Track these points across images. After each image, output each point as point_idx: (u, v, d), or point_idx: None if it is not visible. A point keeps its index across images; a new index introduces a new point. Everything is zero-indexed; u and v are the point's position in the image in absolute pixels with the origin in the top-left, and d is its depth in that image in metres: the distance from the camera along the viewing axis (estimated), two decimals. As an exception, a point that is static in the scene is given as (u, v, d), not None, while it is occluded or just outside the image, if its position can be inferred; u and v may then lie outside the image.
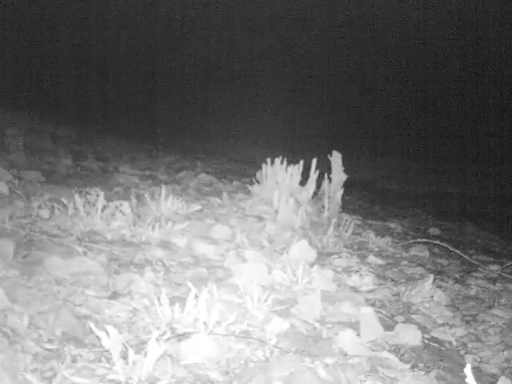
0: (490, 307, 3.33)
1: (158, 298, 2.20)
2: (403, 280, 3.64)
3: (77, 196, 3.31)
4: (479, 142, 16.48)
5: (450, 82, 18.94)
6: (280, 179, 4.64)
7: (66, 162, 5.54)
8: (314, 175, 4.67)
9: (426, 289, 3.25)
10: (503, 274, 4.09)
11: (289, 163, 4.70)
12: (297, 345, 2.24)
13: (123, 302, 2.32)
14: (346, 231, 4.37)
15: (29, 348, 1.80)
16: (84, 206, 3.27)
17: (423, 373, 2.24)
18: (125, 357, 1.81)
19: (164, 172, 6.26)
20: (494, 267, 4.25)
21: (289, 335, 2.30)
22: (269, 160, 4.75)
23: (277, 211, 4.31)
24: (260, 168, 4.81)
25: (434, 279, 3.40)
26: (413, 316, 3.00)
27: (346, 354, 2.24)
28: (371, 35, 19.75)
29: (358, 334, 2.43)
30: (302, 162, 4.67)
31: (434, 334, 2.81)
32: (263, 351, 2.12)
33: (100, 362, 1.83)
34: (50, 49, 16.12)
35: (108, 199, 3.42)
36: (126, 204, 3.40)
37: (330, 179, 4.69)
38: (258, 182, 4.90)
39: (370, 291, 3.23)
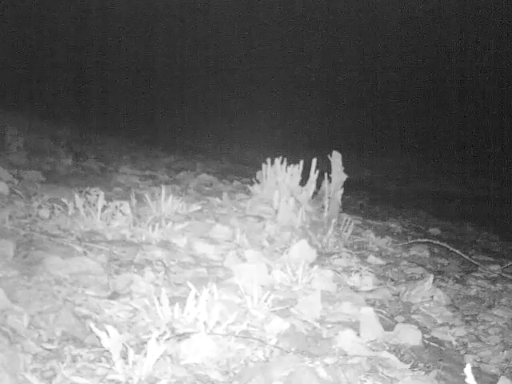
0: (490, 307, 3.32)
1: (158, 298, 2.20)
2: (403, 280, 3.64)
3: (77, 196, 3.31)
4: (479, 141, 16.47)
5: (451, 81, 18.95)
6: (280, 179, 4.64)
7: (66, 162, 5.55)
8: (314, 175, 4.68)
9: (426, 289, 3.25)
10: (503, 274, 4.09)
11: (289, 163, 4.70)
12: (297, 345, 2.24)
13: (123, 302, 2.32)
14: (346, 231, 4.37)
15: (29, 348, 1.80)
16: (84, 206, 3.28)
17: (423, 373, 2.24)
18: (125, 357, 1.81)
19: (164, 172, 6.26)
20: (494, 267, 4.25)
21: (289, 335, 2.30)
22: (269, 160, 4.75)
23: (277, 211, 4.31)
24: (260, 168, 4.81)
25: (434, 279, 3.40)
26: (413, 316, 3.00)
27: (346, 354, 2.24)
28: (371, 35, 19.75)
29: (358, 334, 2.43)
30: (302, 162, 4.68)
31: (434, 333, 2.81)
32: (263, 351, 2.13)
33: (100, 361, 1.83)
34: (50, 48, 16.12)
35: (108, 199, 3.42)
36: (126, 204, 3.40)
37: (330, 179, 4.68)
38: (258, 181, 4.90)
39: (370, 291, 3.23)
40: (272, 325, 2.32)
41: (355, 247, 4.27)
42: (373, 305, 3.01)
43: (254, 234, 3.78)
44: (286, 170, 4.65)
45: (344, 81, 19.16)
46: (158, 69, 18.73)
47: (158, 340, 1.86)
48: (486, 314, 3.18)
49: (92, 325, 1.93)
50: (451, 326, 2.93)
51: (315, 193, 4.75)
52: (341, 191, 4.68)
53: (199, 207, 4.14)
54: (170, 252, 3.09)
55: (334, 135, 14.80)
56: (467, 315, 3.16)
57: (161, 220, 3.51)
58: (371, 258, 3.95)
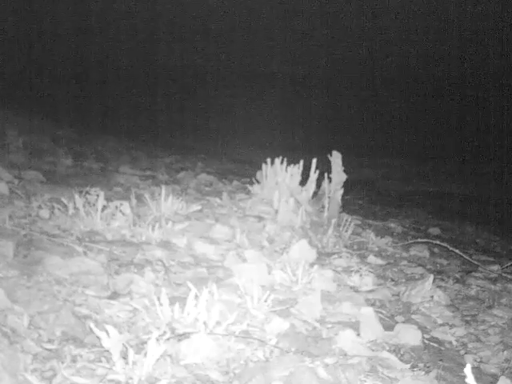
0: (490, 307, 3.32)
1: (158, 298, 2.20)
2: (403, 280, 3.64)
3: (77, 196, 3.31)
4: (480, 141, 16.47)
5: (451, 81, 18.94)
6: (280, 179, 4.64)
7: (66, 162, 5.54)
8: (314, 175, 4.67)
9: (426, 289, 3.25)
10: (503, 274, 4.09)
11: (289, 163, 4.70)
12: (297, 345, 2.24)
13: (123, 301, 2.32)
14: (346, 231, 4.36)
15: (29, 348, 1.80)
16: (84, 206, 3.27)
17: (423, 373, 2.24)
18: (125, 357, 1.81)
19: (164, 172, 6.25)
20: (494, 267, 4.25)
21: (289, 335, 2.30)
22: (269, 160, 4.75)
23: (277, 211, 4.31)
24: (260, 168, 4.81)
25: (434, 279, 3.40)
26: (413, 316, 3.00)
27: (345, 354, 2.24)
28: (371, 34, 19.76)
29: (358, 334, 2.43)
30: (301, 162, 4.67)
31: (434, 333, 2.81)
32: (263, 351, 2.13)
33: (100, 361, 1.83)
34: (50, 48, 16.12)
35: (108, 199, 3.42)
36: (126, 204, 3.40)
37: (330, 179, 4.68)
38: (258, 181, 4.90)
39: (370, 291, 3.23)
40: (272, 325, 2.32)
41: (355, 247, 4.27)
42: (373, 305, 3.01)
43: (254, 234, 3.78)
44: (286, 170, 4.65)
45: (344, 81, 19.15)
46: (158, 68, 18.73)
47: (158, 340, 1.86)
48: (485, 314, 3.18)
49: (92, 325, 1.93)
50: (451, 326, 2.93)
51: (315, 193, 4.75)
52: (341, 191, 4.68)
53: (199, 207, 4.14)
54: (170, 252, 3.09)
55: (335, 135, 14.80)
56: (467, 315, 3.16)
57: (161, 220, 3.51)
58: (371, 258, 3.95)
